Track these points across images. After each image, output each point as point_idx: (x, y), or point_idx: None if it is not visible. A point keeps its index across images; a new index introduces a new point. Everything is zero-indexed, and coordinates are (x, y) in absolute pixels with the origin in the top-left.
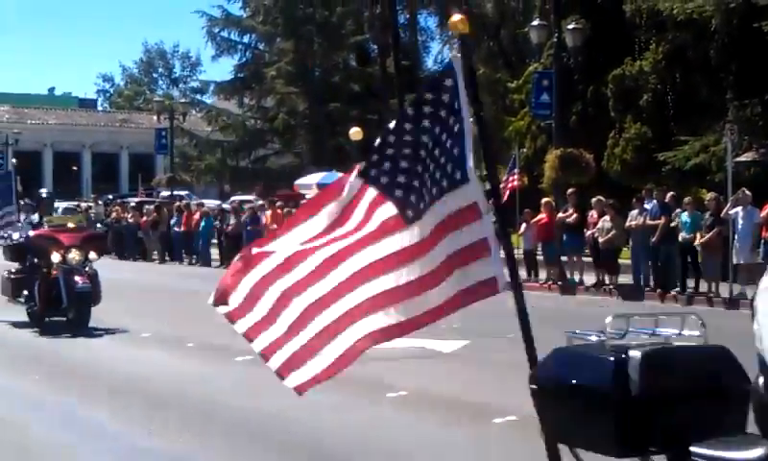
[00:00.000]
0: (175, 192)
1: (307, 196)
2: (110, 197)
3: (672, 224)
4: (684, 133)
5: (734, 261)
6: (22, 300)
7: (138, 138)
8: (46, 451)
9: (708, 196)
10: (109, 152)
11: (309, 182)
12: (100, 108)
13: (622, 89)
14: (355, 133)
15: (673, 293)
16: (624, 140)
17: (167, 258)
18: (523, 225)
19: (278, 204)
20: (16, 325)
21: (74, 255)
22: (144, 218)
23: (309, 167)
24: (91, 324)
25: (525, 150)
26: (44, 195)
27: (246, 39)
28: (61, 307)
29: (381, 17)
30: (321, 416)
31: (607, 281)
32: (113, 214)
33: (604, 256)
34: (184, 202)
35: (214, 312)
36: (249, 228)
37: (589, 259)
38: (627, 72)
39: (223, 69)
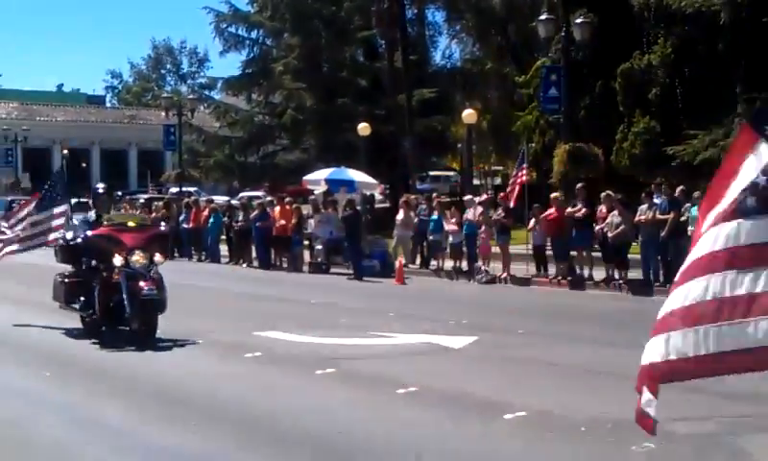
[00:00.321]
0: (183, 188)
1: (316, 192)
2: (119, 193)
3: (682, 218)
4: (693, 127)
5: None
6: (76, 306)
7: (147, 135)
8: (57, 450)
9: None
10: (118, 148)
11: (317, 178)
12: (108, 104)
13: (631, 83)
14: (363, 128)
15: None
16: (633, 134)
17: (176, 255)
18: (532, 220)
19: (287, 199)
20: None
21: (138, 258)
22: (153, 214)
23: (317, 163)
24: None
25: (534, 144)
26: (100, 190)
27: (253, 35)
28: (124, 316)
29: (389, 12)
30: (331, 412)
31: (616, 276)
32: (122, 211)
33: (613, 251)
34: (193, 198)
35: (223, 309)
36: (257, 224)
37: (599, 254)
38: (636, 66)
39: (230, 65)
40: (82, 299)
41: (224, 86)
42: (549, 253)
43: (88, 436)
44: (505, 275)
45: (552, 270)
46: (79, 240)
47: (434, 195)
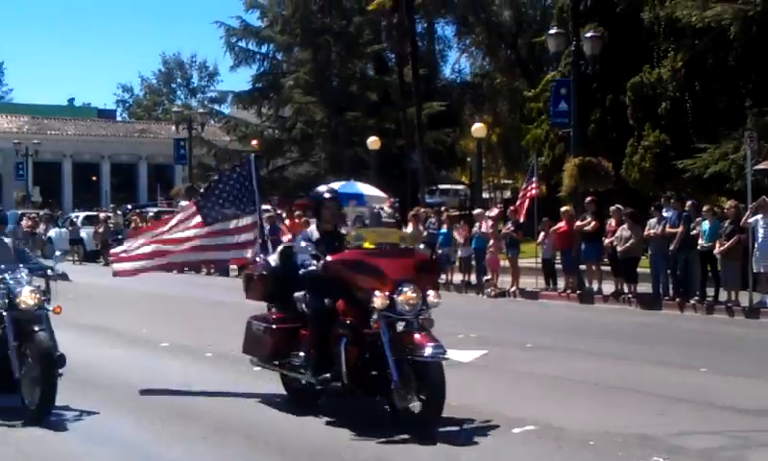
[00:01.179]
0: None
1: None
2: (129, 207)
3: (693, 232)
4: (702, 140)
5: (754, 270)
6: (276, 362)
7: (157, 148)
8: (65, 459)
9: (728, 204)
10: (128, 162)
11: None
12: (119, 118)
13: (640, 97)
14: (373, 142)
15: (692, 302)
16: (643, 148)
17: (185, 268)
18: (542, 233)
19: (297, 213)
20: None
21: (409, 297)
22: None
23: (327, 176)
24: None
25: (543, 158)
26: (327, 195)
27: (264, 49)
28: (386, 385)
29: (399, 26)
30: (337, 425)
31: (625, 290)
32: (132, 224)
33: (622, 265)
34: None
35: (231, 322)
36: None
37: (608, 268)
38: (645, 80)
39: (241, 79)
40: (301, 354)
41: (234, 100)
42: (558, 266)
43: (91, 446)
44: (514, 288)
45: (561, 283)
46: (312, 268)
47: (443, 208)
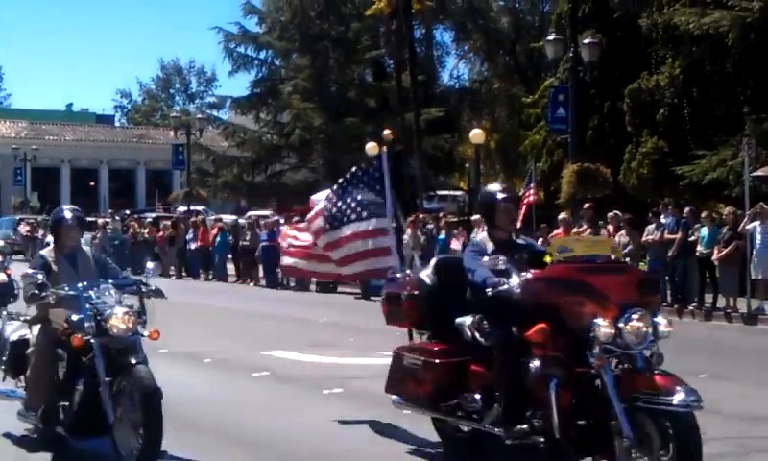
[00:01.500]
0: (192, 207)
1: None
2: (127, 212)
3: (692, 238)
4: (700, 147)
5: (753, 276)
6: (439, 405)
7: (155, 154)
8: None
9: (726, 210)
10: (127, 168)
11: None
12: (117, 124)
13: (638, 104)
14: (371, 147)
15: (691, 308)
16: (641, 154)
17: (183, 274)
18: (539, 240)
19: (295, 219)
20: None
21: (638, 326)
22: (161, 233)
23: (325, 182)
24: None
25: (541, 165)
26: (500, 195)
27: (262, 55)
28: (606, 440)
29: (397, 32)
30: (335, 430)
31: None
32: (130, 230)
33: None
34: (200, 217)
35: (230, 328)
36: (264, 243)
37: None
38: (643, 86)
39: (239, 85)
40: (476, 396)
41: (232, 106)
42: None
43: (87, 452)
44: None
45: None
46: (504, 288)
47: (441, 215)
